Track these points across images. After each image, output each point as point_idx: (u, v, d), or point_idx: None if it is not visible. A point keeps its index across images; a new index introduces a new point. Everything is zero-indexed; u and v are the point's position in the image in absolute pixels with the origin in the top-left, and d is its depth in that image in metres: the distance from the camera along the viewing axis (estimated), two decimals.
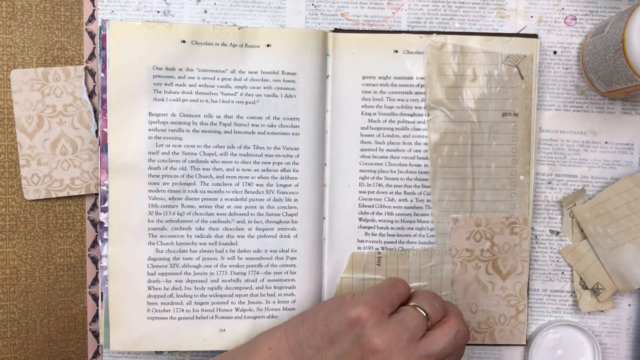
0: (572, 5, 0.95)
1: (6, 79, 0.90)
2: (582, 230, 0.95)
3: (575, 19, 0.95)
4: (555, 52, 0.96)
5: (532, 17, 0.95)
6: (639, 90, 0.86)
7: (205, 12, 0.93)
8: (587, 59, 0.93)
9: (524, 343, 0.96)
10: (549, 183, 0.96)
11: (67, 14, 0.91)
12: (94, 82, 0.92)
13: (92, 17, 0.92)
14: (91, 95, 0.91)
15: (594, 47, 0.90)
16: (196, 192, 0.90)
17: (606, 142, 0.96)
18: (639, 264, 0.93)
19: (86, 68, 0.91)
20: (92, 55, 0.92)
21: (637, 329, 0.97)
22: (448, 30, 0.94)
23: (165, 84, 0.88)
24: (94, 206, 0.93)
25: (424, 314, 0.78)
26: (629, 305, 0.97)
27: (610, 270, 0.94)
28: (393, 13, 0.94)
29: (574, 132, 0.96)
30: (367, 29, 0.94)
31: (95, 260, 0.94)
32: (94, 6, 0.91)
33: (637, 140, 0.96)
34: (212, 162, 0.90)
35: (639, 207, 0.93)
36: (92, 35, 0.92)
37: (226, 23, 0.93)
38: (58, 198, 0.92)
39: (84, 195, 0.93)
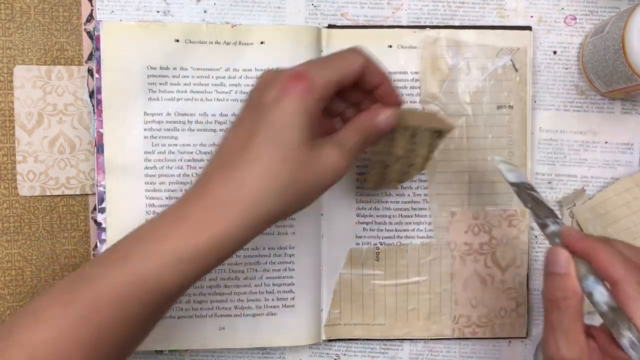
0: (572, 5, 0.95)
1: (7, 81, 0.90)
2: (582, 230, 0.95)
3: (575, 19, 0.95)
4: (555, 52, 0.95)
5: (532, 17, 0.95)
6: (639, 90, 0.86)
7: (205, 12, 0.93)
8: (587, 59, 0.92)
9: (525, 336, 0.96)
10: (549, 183, 0.95)
11: (65, 14, 0.91)
12: (94, 82, 0.92)
13: (90, 17, 0.92)
14: (92, 95, 0.91)
15: (594, 47, 0.90)
16: None
17: (606, 142, 0.96)
18: None
19: (88, 69, 0.92)
20: (91, 56, 0.92)
21: None
22: None
23: (160, 84, 0.89)
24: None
25: None
26: None
27: None
28: (393, 13, 0.94)
29: (573, 132, 0.95)
30: (360, 25, 0.94)
31: None
32: (92, 6, 0.92)
33: (637, 140, 0.96)
34: (208, 160, 0.89)
35: (639, 207, 0.92)
36: (90, 36, 0.92)
37: (227, 23, 0.93)
38: (61, 199, 0.92)
39: (87, 195, 0.93)
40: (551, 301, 0.68)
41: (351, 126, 0.74)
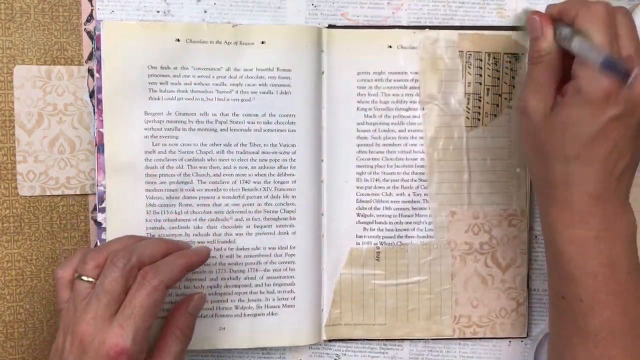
0: None
1: (7, 81, 0.90)
2: None
3: None
4: None
5: None
6: None
7: (205, 12, 0.93)
8: None
9: (525, 336, 0.96)
10: None
11: (65, 14, 0.91)
12: (95, 82, 0.92)
13: (90, 17, 0.92)
14: (93, 95, 0.91)
15: None
16: (193, 190, 0.90)
17: None
18: None
19: (88, 69, 0.92)
20: (91, 55, 0.91)
21: None
22: None
23: (161, 83, 0.89)
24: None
25: (86, 280, 0.78)
26: None
27: None
28: (393, 13, 0.94)
29: None
30: (361, 25, 0.94)
31: None
32: (92, 6, 0.91)
33: None
34: (209, 160, 0.90)
35: (639, 207, 0.92)
36: (90, 36, 0.91)
37: (228, 23, 0.92)
38: (61, 199, 0.92)
39: (87, 195, 0.93)
40: (530, 59, 0.79)
41: None
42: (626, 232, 0.76)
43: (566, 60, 0.76)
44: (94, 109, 0.90)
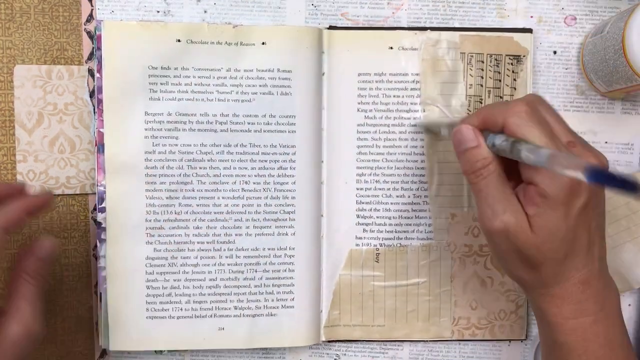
0: (572, 5, 0.95)
1: (7, 80, 0.90)
2: None
3: (575, 19, 0.95)
4: (555, 52, 0.95)
5: (532, 17, 0.95)
6: (639, 90, 0.86)
7: (205, 12, 0.93)
8: (587, 59, 0.92)
9: (524, 338, 0.96)
10: None
11: (65, 14, 0.91)
12: (95, 82, 0.92)
13: (90, 17, 0.92)
14: (93, 95, 0.91)
15: (594, 47, 0.90)
16: (193, 190, 0.90)
17: (606, 142, 0.96)
18: (639, 264, 0.93)
19: (88, 68, 0.92)
20: (91, 55, 0.92)
21: (637, 329, 0.96)
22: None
23: (161, 84, 0.89)
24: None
25: None
26: (629, 305, 0.97)
27: (610, 271, 0.93)
28: (393, 13, 0.94)
29: None
30: (362, 26, 0.94)
31: None
32: (92, 6, 0.91)
33: (637, 140, 0.95)
34: (208, 160, 0.90)
35: (639, 207, 0.92)
36: (90, 36, 0.91)
37: (229, 23, 0.92)
38: (61, 198, 0.92)
39: (87, 195, 0.93)
40: (474, 174, 0.72)
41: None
42: (616, 306, 0.77)
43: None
44: (94, 109, 0.90)
